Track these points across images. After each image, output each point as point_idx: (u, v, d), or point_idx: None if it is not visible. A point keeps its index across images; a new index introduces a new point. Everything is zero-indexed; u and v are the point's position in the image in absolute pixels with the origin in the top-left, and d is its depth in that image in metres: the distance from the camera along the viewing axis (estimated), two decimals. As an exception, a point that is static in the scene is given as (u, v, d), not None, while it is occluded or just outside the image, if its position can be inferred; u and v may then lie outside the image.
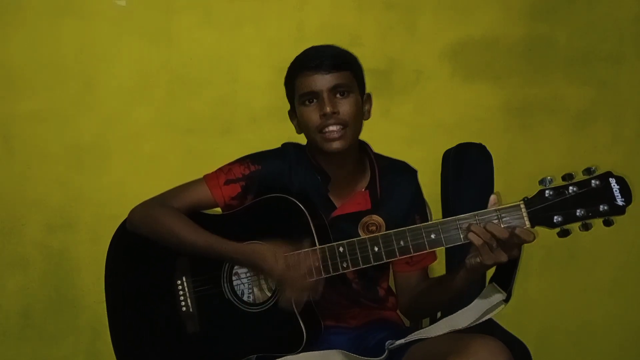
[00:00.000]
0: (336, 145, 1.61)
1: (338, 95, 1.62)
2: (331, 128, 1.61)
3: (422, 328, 1.80)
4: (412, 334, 1.58)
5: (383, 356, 1.54)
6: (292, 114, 1.73)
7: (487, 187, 2.02)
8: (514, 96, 2.42)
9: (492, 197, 1.47)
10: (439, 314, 1.96)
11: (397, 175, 1.74)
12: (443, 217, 1.98)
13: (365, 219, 1.69)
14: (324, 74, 1.61)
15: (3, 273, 2.23)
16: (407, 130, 2.34)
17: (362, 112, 1.68)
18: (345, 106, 1.62)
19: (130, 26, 2.21)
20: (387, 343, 1.57)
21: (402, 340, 1.57)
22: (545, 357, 2.47)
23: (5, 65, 2.17)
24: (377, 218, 1.70)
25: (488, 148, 2.04)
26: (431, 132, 2.36)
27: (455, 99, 2.39)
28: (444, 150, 2.07)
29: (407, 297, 1.75)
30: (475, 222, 1.44)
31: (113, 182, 2.23)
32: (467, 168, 2.02)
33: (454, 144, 2.06)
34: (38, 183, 2.22)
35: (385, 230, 1.66)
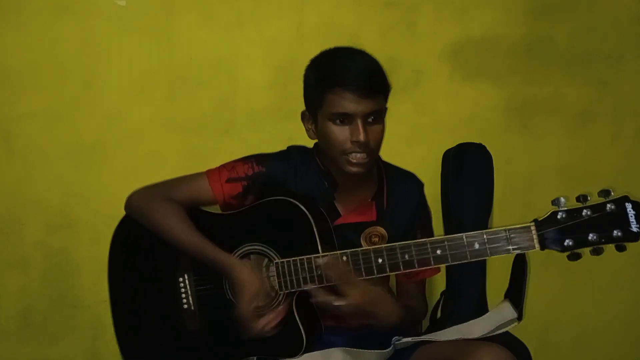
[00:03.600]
0: (356, 169, 1.58)
1: (369, 120, 1.56)
2: (358, 156, 1.56)
3: (423, 330, 1.80)
4: (421, 336, 1.57)
5: (388, 349, 1.54)
6: (307, 117, 1.65)
7: (487, 187, 2.02)
8: (514, 96, 2.42)
9: None
10: (439, 314, 1.96)
11: (403, 187, 1.72)
12: (443, 217, 2.00)
13: (368, 230, 1.67)
14: (363, 97, 1.53)
15: (3, 273, 2.23)
16: (407, 130, 2.34)
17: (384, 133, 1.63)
18: (374, 133, 1.57)
19: (130, 26, 2.21)
20: (393, 339, 1.57)
21: (409, 339, 1.56)
22: (546, 358, 2.47)
23: (4, 65, 2.17)
24: (380, 229, 1.67)
25: (488, 148, 2.04)
26: (431, 132, 2.36)
27: (455, 99, 2.39)
28: (444, 150, 2.07)
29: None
30: (484, 239, 1.41)
31: (113, 182, 2.23)
32: (467, 168, 2.02)
33: (454, 144, 2.06)
34: (38, 183, 2.21)
35: (387, 242, 1.65)
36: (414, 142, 2.33)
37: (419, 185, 1.75)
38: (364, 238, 1.66)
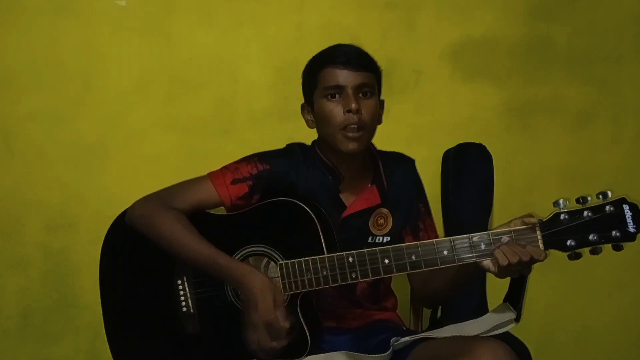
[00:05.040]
0: (353, 146, 1.61)
1: (361, 95, 1.62)
2: (354, 127, 1.60)
3: (423, 329, 1.80)
4: (418, 334, 1.58)
5: (387, 352, 1.54)
6: (306, 108, 1.71)
7: (487, 187, 2.02)
8: (514, 96, 2.42)
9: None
10: (439, 314, 1.96)
11: (397, 167, 1.75)
12: (443, 217, 2.00)
13: (374, 214, 1.69)
14: (352, 70, 1.61)
15: (3, 273, 2.23)
16: (407, 130, 2.34)
17: (378, 116, 1.68)
18: (367, 107, 1.62)
19: (130, 26, 2.21)
20: (392, 340, 1.57)
21: (407, 338, 1.56)
22: (546, 358, 2.47)
23: (4, 65, 2.17)
24: (383, 210, 1.70)
25: (488, 148, 2.04)
26: (431, 132, 2.36)
27: (455, 99, 2.39)
28: (444, 150, 2.07)
29: (419, 280, 1.74)
30: (489, 240, 1.44)
31: (113, 182, 2.23)
32: (467, 168, 2.02)
33: (454, 144, 2.06)
34: (38, 183, 2.22)
35: (392, 221, 1.69)
36: (414, 142, 2.33)
37: (411, 161, 1.79)
38: (371, 223, 1.69)
